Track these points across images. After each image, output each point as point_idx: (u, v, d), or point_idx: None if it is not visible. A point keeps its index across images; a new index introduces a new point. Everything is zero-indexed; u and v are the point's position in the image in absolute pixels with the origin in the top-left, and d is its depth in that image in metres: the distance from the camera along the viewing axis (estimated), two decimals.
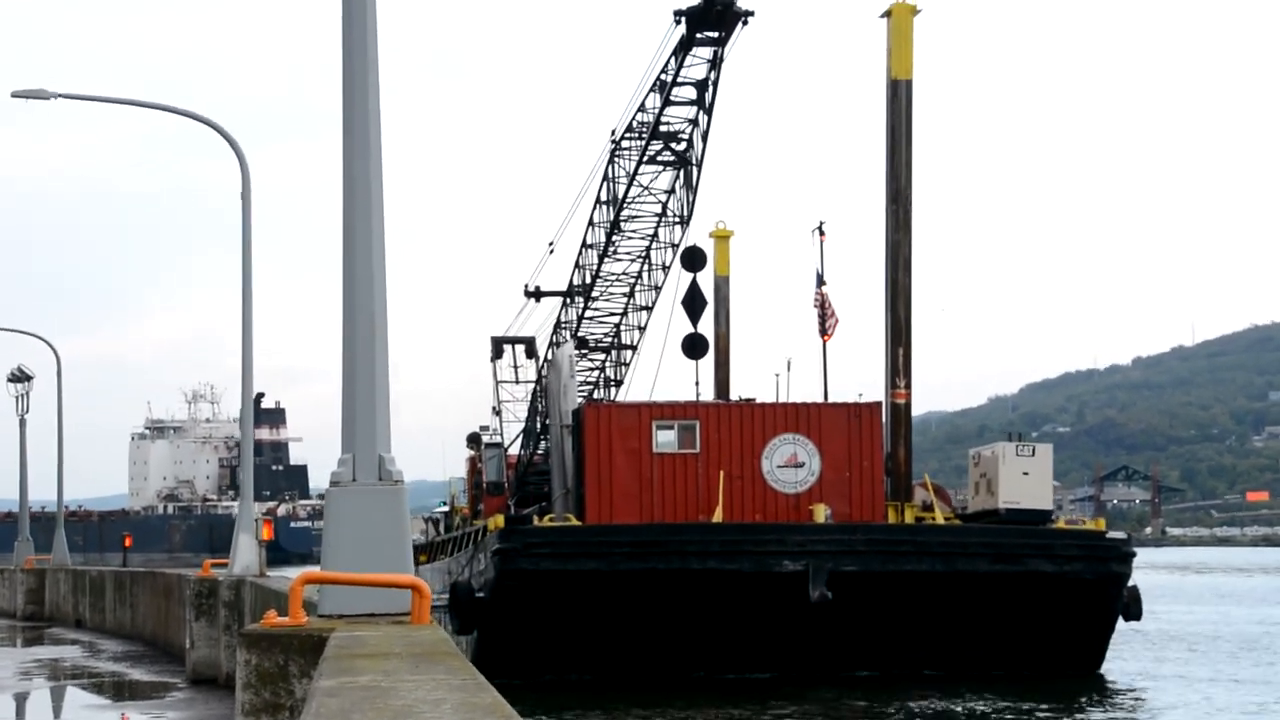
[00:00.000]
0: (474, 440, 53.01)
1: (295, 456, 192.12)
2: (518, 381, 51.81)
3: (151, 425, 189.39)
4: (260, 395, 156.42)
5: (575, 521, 38.86)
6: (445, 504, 59.59)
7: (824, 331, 45.52)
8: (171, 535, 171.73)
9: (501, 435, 51.07)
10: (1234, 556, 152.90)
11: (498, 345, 52.00)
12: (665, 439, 39.97)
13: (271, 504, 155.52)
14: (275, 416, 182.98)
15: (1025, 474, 40.60)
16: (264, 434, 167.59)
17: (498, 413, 51.79)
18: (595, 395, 50.72)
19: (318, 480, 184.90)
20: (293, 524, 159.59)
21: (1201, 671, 41.41)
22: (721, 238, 56.75)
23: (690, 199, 45.58)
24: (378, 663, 8.84)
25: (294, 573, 18.14)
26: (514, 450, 50.65)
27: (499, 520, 38.61)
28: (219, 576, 29.35)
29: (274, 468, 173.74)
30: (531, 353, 51.61)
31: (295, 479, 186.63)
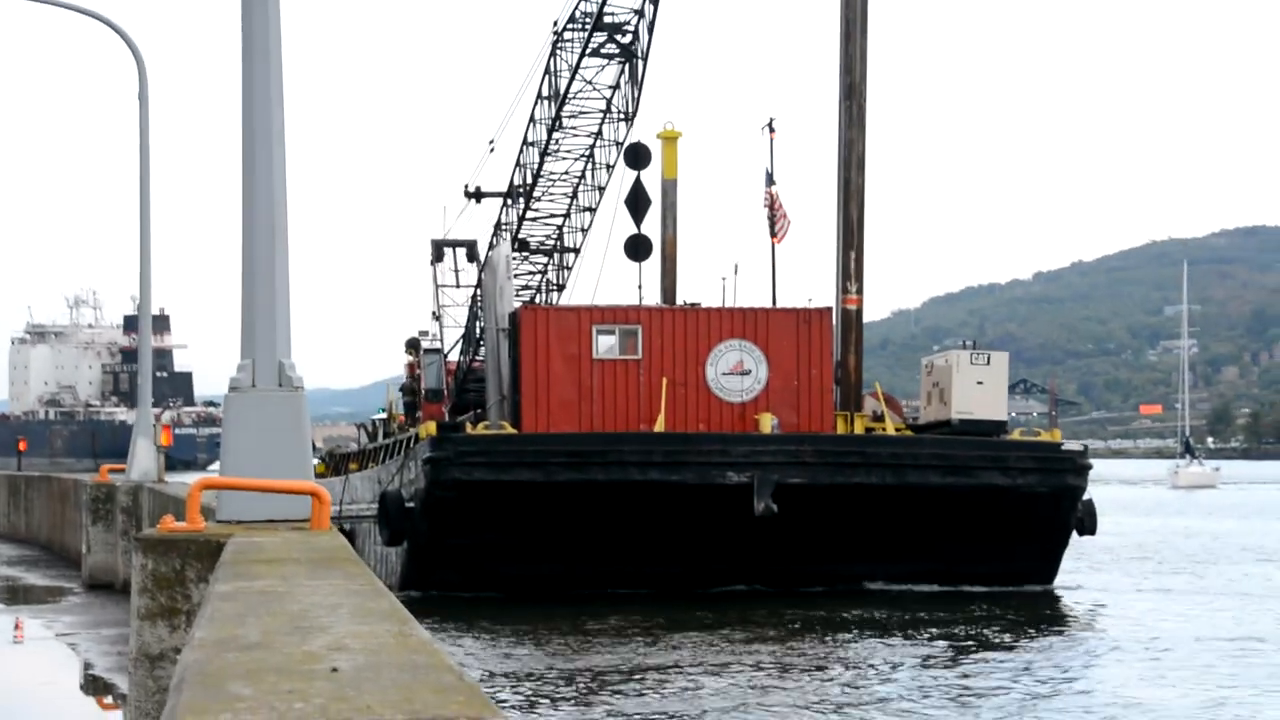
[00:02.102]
0: (413, 346, 51.40)
1: (180, 363, 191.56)
2: (459, 286, 50.26)
3: (32, 330, 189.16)
4: None
5: (510, 430, 37.14)
6: (384, 410, 57.88)
7: (774, 233, 43.75)
8: (53, 441, 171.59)
9: (441, 341, 49.57)
10: (1127, 469, 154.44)
11: (438, 248, 50.39)
12: (606, 344, 38.42)
13: (156, 410, 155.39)
14: (160, 323, 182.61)
15: (980, 383, 39.27)
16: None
17: (438, 318, 50.17)
18: (536, 299, 48.91)
19: (203, 388, 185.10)
20: (178, 430, 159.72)
21: (1154, 583, 41.22)
22: (669, 139, 54.74)
23: (635, 94, 43.73)
24: (275, 568, 8.85)
25: (183, 479, 16.69)
26: (454, 356, 48.84)
27: (430, 428, 36.93)
28: (116, 482, 28.04)
29: (158, 374, 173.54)
30: (473, 256, 50.01)
31: (180, 386, 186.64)
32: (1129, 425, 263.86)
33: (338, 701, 4.13)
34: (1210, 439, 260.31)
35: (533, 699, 23.06)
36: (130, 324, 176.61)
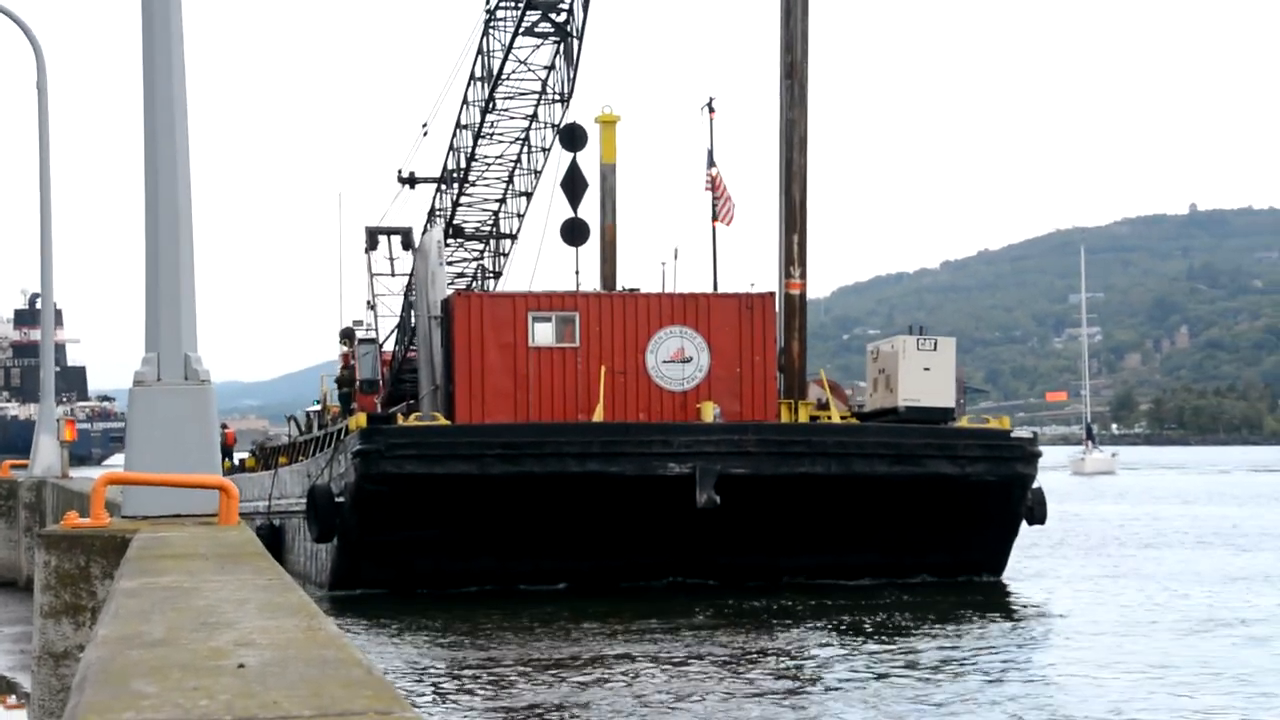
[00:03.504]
0: (347, 336, 50.92)
1: (73, 358, 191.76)
2: (394, 274, 49.71)
3: None
4: (35, 295, 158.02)
5: (443, 421, 36.68)
6: (318, 402, 57.53)
7: (719, 215, 43.41)
8: None
9: (376, 330, 49.10)
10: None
11: (372, 236, 49.97)
12: (542, 332, 38.06)
13: None
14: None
15: (926, 370, 39.07)
16: (40, 335, 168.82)
17: (372, 307, 49.76)
18: (472, 287, 48.51)
19: (96, 382, 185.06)
20: None
21: (1103, 571, 41.32)
22: (607, 123, 54.32)
23: (571, 75, 43.35)
24: (181, 563, 8.90)
25: (85, 474, 16.40)
26: (390, 346, 48.46)
27: (360, 419, 36.40)
28: (18, 478, 27.68)
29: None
30: (408, 244, 49.53)
31: (74, 380, 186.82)
32: (1036, 413, 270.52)
33: (244, 698, 4.13)
34: (1114, 425, 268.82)
35: (453, 694, 22.92)
36: (21, 318, 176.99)
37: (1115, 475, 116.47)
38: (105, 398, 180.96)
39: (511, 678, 24.09)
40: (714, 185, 44.00)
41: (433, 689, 23.27)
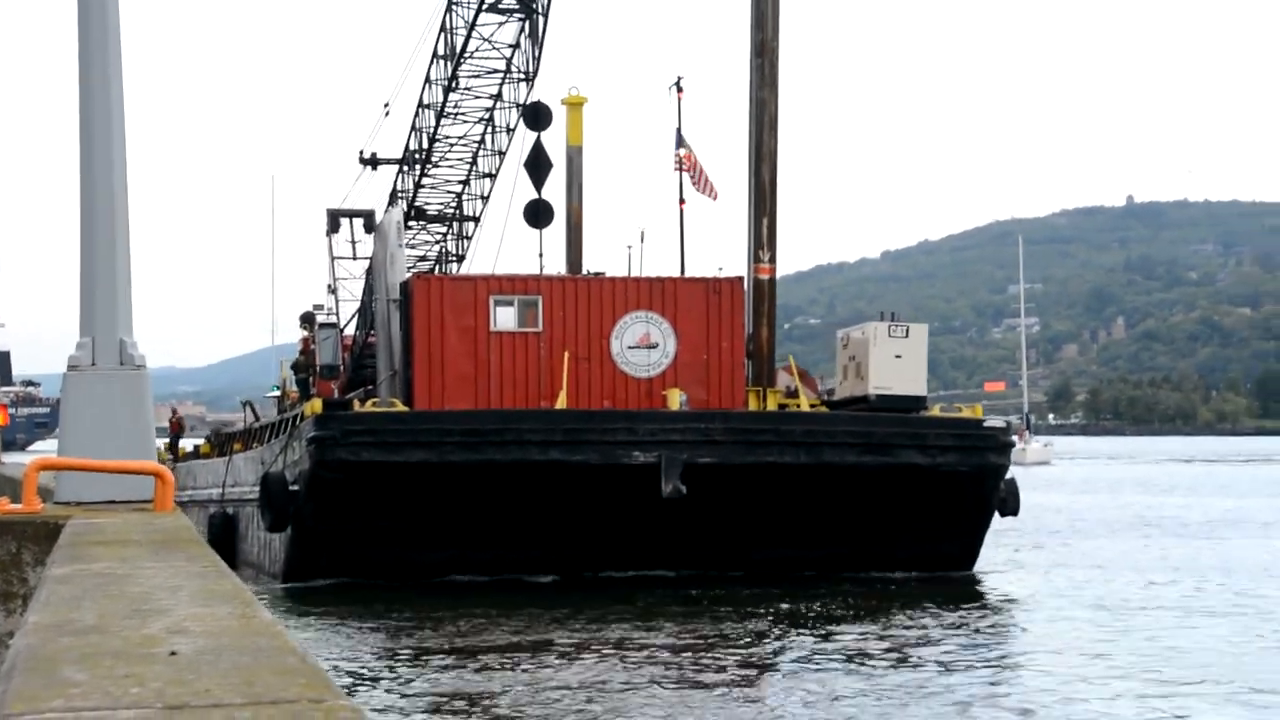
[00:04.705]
0: (307, 320, 50.36)
1: None
2: (355, 257, 49.10)
3: None
4: None
5: (402, 407, 36.15)
6: (277, 388, 56.97)
7: (702, 190, 42.89)
8: None
9: (337, 315, 48.49)
10: None
11: (334, 218, 49.44)
12: (504, 316, 37.60)
13: None
14: None
15: (898, 357, 38.71)
16: None
17: (333, 291, 49.11)
18: (435, 271, 48.00)
19: (20, 367, 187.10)
20: None
21: (1076, 562, 41.31)
22: (574, 105, 53.75)
23: (536, 53, 42.88)
24: (115, 550, 8.90)
25: (16, 460, 16.02)
26: (350, 330, 47.94)
27: (316, 405, 35.79)
28: None
29: None
30: (370, 226, 48.86)
31: None
32: (974, 403, 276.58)
33: (176, 685, 4.12)
34: (1051, 415, 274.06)
35: (391, 681, 22.65)
36: None
37: (1051, 465, 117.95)
38: (30, 382, 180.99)
39: (451, 665, 23.91)
40: (688, 164, 43.53)
41: (370, 677, 23.07)
